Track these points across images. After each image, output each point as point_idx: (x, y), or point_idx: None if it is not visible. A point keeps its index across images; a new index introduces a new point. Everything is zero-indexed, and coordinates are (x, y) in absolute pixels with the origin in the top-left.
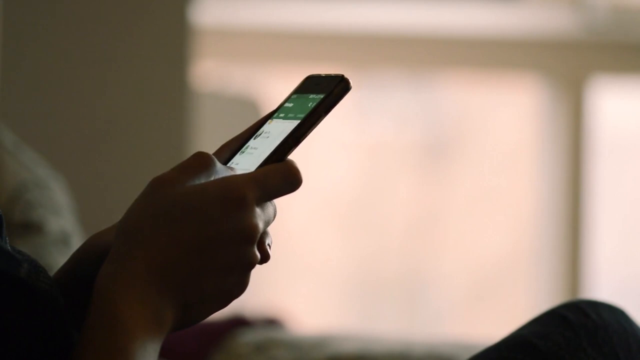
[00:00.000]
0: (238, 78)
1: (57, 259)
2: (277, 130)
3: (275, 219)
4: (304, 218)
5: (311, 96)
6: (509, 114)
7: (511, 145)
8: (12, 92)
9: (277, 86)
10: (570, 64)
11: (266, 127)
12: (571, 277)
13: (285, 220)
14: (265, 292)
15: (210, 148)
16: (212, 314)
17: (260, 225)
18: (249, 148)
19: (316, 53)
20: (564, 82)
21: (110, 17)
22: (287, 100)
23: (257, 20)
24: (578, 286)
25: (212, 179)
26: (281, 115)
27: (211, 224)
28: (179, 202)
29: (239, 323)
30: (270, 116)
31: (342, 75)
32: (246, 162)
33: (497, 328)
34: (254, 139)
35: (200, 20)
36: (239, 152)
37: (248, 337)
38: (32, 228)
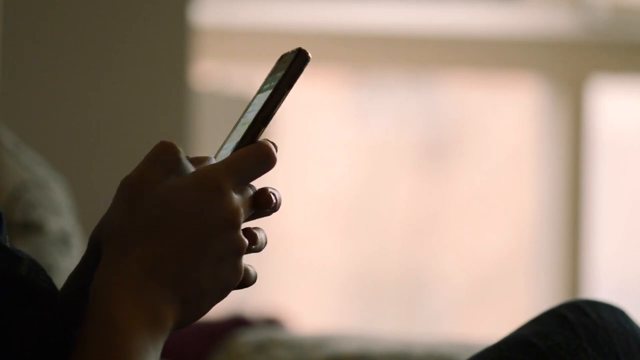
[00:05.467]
0: (238, 78)
1: (57, 259)
2: (253, 113)
3: (273, 213)
4: (304, 218)
5: (278, 74)
6: (508, 114)
7: (511, 146)
8: (12, 92)
9: None
10: (570, 64)
11: (249, 109)
12: (571, 277)
13: (286, 220)
14: (265, 292)
15: (211, 148)
16: (212, 306)
17: (241, 209)
18: (234, 133)
19: (316, 53)
20: (564, 82)
21: (110, 17)
22: (265, 82)
23: (257, 20)
24: (578, 286)
25: (180, 167)
26: (259, 95)
27: (193, 217)
28: (158, 202)
29: (239, 323)
30: (254, 98)
31: (299, 48)
32: (230, 146)
33: (497, 328)
34: (240, 124)
35: (200, 20)
36: (228, 139)
37: (248, 337)
38: (32, 228)
